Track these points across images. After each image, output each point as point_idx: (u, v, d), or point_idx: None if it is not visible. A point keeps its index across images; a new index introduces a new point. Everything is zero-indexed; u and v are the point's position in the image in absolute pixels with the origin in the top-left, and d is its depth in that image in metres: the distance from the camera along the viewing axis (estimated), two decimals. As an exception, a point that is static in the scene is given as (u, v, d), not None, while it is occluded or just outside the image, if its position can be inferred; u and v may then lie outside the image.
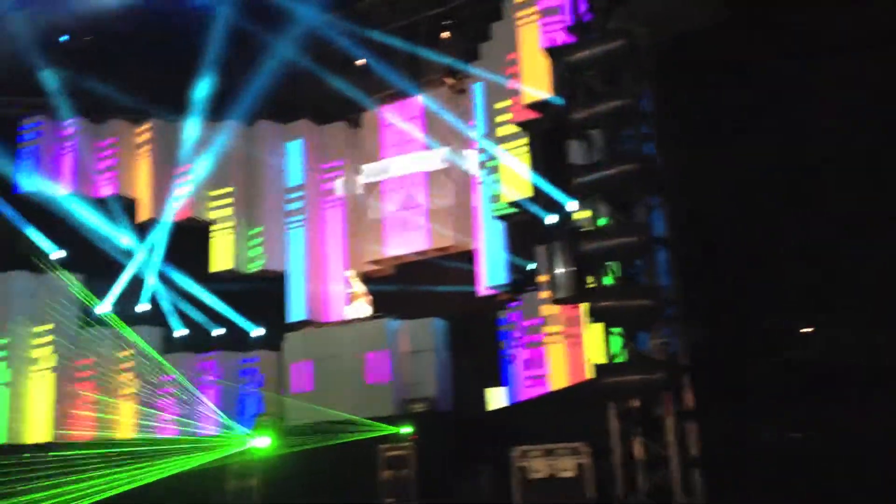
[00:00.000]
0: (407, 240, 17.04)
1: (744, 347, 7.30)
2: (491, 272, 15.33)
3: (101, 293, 16.99)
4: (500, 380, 14.85)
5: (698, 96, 7.42)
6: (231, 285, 17.49)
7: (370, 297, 15.78)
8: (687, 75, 7.51)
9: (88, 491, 13.80)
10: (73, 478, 14.03)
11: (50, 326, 16.54)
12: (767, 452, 7.08)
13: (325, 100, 18.30)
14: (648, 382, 6.76)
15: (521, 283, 14.75)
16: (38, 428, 16.03)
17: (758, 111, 7.17)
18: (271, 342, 16.83)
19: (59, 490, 14.05)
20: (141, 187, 18.01)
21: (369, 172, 17.94)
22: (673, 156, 7.36)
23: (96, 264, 16.97)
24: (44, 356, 16.49)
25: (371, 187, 17.82)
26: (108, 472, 14.25)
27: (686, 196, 7.42)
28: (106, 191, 17.91)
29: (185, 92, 16.80)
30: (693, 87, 7.42)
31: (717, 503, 7.00)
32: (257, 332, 17.26)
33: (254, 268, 17.75)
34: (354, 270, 15.88)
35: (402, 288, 16.64)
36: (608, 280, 7.50)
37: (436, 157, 17.04)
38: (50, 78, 16.68)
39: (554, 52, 10.81)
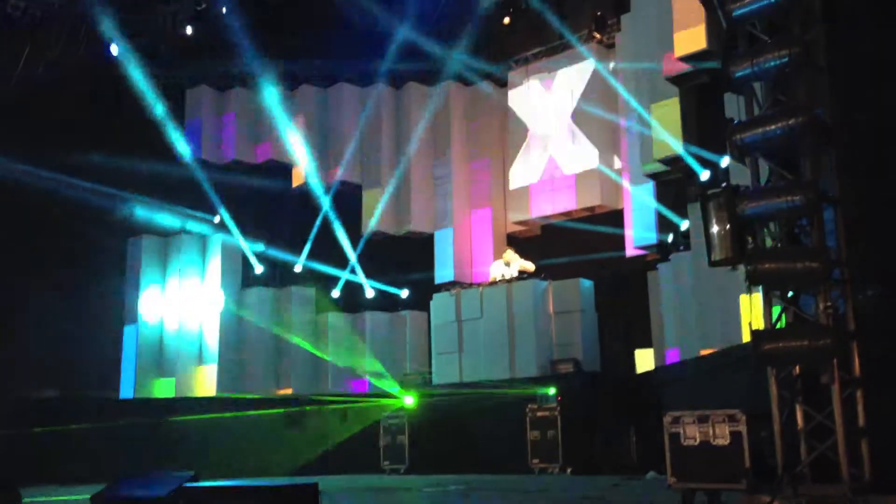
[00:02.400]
0: (553, 200, 16.91)
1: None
2: (639, 232, 14.99)
3: (262, 256, 17.92)
4: (649, 342, 14.60)
5: (875, 41, 6.84)
6: (383, 246, 18.02)
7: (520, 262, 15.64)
8: (866, 17, 6.92)
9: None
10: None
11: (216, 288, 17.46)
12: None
13: (470, 59, 18.32)
14: (814, 349, 6.39)
15: (671, 243, 14.35)
16: (204, 385, 17.12)
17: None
18: (420, 303, 17.24)
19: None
20: (296, 153, 18.72)
21: (515, 131, 17.87)
22: (844, 108, 6.85)
23: (257, 229, 17.91)
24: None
25: (517, 146, 17.76)
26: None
27: (858, 151, 6.90)
28: (262, 157, 18.75)
29: (337, 57, 17.27)
30: (870, 31, 6.84)
31: (885, 476, 6.58)
32: (404, 293, 17.79)
33: (402, 230, 18.16)
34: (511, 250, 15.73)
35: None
36: (767, 241, 7.11)
37: (583, 114, 16.74)
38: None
39: (710, 1, 10.30)
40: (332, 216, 17.77)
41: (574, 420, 12.92)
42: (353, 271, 17.75)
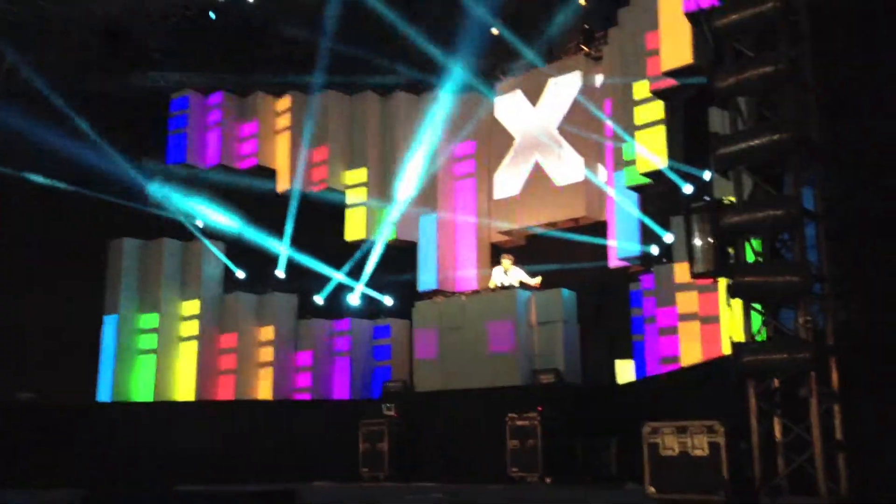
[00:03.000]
0: (538, 210, 16.97)
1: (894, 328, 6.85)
2: (622, 244, 15.07)
3: (242, 262, 17.81)
4: (630, 353, 14.66)
5: (860, 59, 6.94)
6: (367, 254, 17.99)
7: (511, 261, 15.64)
8: (850, 37, 7.02)
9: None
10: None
11: (196, 297, 17.31)
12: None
13: (458, 69, 18.40)
14: (793, 362, 6.45)
15: (653, 255, 14.44)
16: (182, 389, 16.96)
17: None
18: (403, 311, 17.22)
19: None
20: (280, 158, 18.67)
21: (500, 141, 17.94)
22: (829, 124, 6.93)
23: (238, 233, 17.80)
24: (190, 321, 17.33)
25: (502, 157, 17.82)
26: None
27: (841, 168, 6.99)
28: (247, 162, 18.70)
29: (323, 64, 17.24)
30: (855, 50, 6.93)
31: (862, 490, 6.64)
32: (387, 300, 17.77)
33: (387, 238, 18.15)
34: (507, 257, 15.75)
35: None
36: (749, 254, 7.18)
37: (569, 126, 16.83)
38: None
39: (697, 16, 10.41)
40: (316, 222, 17.74)
41: (554, 429, 12.94)
42: (343, 277, 17.66)
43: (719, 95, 7.03)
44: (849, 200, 6.86)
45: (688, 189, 13.16)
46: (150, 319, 17.08)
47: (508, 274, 15.37)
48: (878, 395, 6.89)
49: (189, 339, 17.10)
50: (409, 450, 14.36)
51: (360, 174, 18.36)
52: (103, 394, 16.73)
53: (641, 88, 14.23)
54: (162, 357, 16.89)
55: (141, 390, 16.74)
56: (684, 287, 12.82)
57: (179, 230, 17.42)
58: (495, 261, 16.80)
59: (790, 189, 6.71)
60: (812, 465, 6.54)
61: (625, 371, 14.92)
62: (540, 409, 13.06)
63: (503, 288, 15.12)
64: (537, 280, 15.25)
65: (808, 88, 6.89)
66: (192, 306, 17.22)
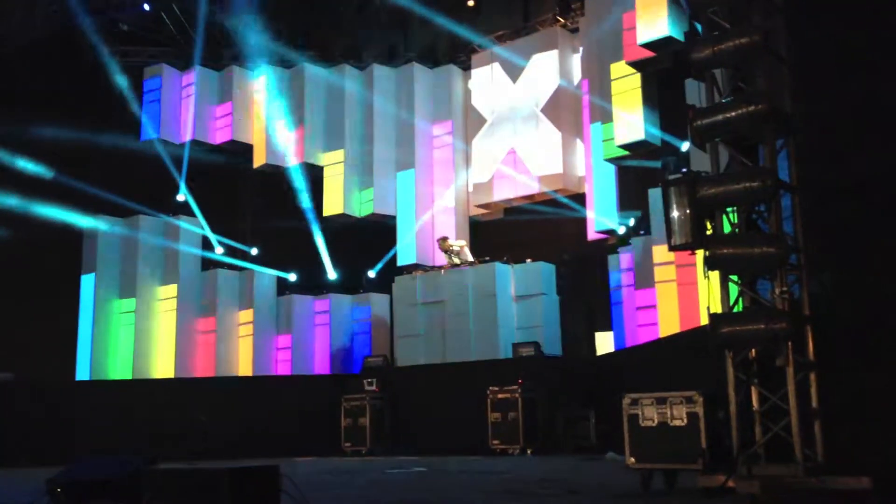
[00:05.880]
0: (516, 183, 16.97)
1: (871, 298, 6.93)
2: (601, 216, 15.12)
3: (220, 237, 17.72)
4: (609, 325, 14.77)
5: (833, 31, 6.94)
6: (345, 228, 17.94)
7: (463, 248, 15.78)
8: (825, 7, 7.02)
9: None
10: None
11: (174, 282, 17.21)
12: (892, 405, 6.76)
13: (435, 42, 18.35)
14: (770, 332, 6.50)
15: (632, 227, 14.50)
16: (161, 366, 16.90)
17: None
18: (383, 285, 17.22)
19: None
20: (256, 134, 18.50)
21: (477, 115, 17.87)
22: (803, 96, 6.95)
23: (216, 208, 17.67)
24: (168, 298, 17.23)
25: (480, 130, 17.77)
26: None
27: (815, 139, 7.01)
28: (222, 137, 18.52)
29: (300, 37, 17.06)
30: (832, 20, 6.93)
31: (837, 457, 6.74)
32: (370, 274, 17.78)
33: (364, 212, 18.09)
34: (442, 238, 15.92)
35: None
36: (726, 226, 7.20)
37: (546, 99, 16.79)
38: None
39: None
40: (295, 197, 17.66)
41: (535, 402, 13.05)
42: (315, 253, 17.64)
43: (695, 68, 7.02)
44: (823, 171, 6.90)
45: (665, 162, 13.20)
46: (128, 303, 16.99)
47: (451, 253, 15.54)
48: (854, 363, 6.98)
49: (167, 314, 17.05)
50: (391, 424, 14.42)
51: (337, 155, 18.21)
52: (82, 372, 16.65)
53: (618, 61, 14.20)
54: (140, 334, 16.81)
55: (119, 368, 16.68)
56: (662, 260, 12.92)
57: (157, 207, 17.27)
58: (474, 234, 16.86)
59: (766, 161, 6.73)
60: (789, 433, 6.62)
61: (604, 342, 15.05)
62: (521, 382, 13.14)
63: (459, 265, 15.26)
64: (466, 253, 15.38)
65: (782, 60, 6.89)
66: (169, 289, 17.14)
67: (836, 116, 6.96)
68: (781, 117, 6.73)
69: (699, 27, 7.22)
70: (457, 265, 15.29)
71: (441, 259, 17.10)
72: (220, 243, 17.73)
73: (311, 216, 17.65)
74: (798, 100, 6.86)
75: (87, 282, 16.99)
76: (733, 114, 6.67)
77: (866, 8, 6.87)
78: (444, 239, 15.93)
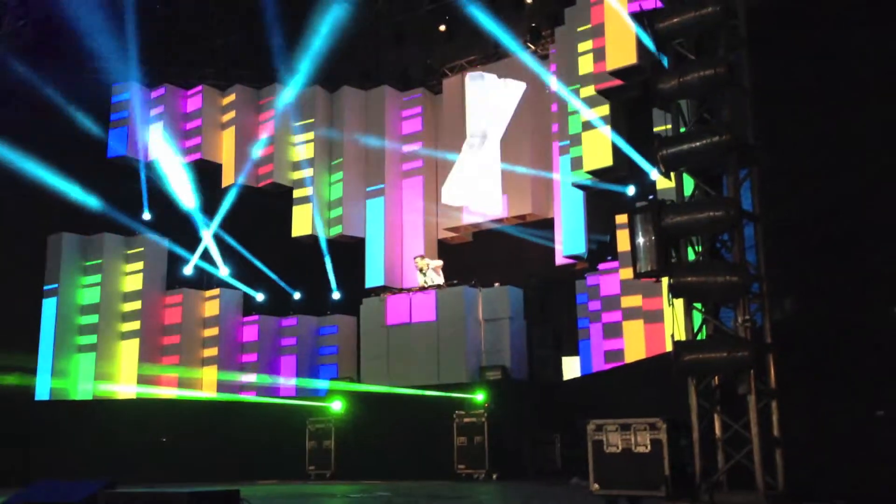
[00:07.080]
0: (484, 207, 17.01)
1: (832, 327, 7.04)
2: (568, 241, 15.20)
3: (185, 256, 17.53)
4: (576, 350, 14.81)
5: (795, 65, 7.09)
6: (311, 250, 17.82)
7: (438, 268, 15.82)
8: (786, 42, 7.17)
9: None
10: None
11: (138, 289, 17.01)
12: (852, 434, 6.85)
13: (406, 66, 18.45)
14: (732, 360, 6.58)
15: (599, 253, 14.59)
16: (123, 387, 16.62)
17: (866, 82, 6.78)
18: (350, 307, 17.12)
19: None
20: (226, 153, 18.38)
21: (447, 139, 17.94)
22: (765, 127, 7.08)
23: (182, 228, 17.48)
24: (131, 318, 17.00)
25: (449, 154, 17.83)
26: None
27: (777, 170, 7.15)
28: (191, 156, 18.37)
29: (270, 59, 17.01)
30: (793, 55, 7.09)
31: (798, 485, 6.81)
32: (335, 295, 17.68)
33: (333, 233, 18.02)
34: (419, 257, 15.98)
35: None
36: (690, 254, 7.29)
37: (515, 124, 16.90)
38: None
39: (641, 17, 10.53)
40: (262, 219, 17.56)
41: (501, 426, 13.02)
42: (281, 274, 17.53)
43: (662, 98, 7.13)
44: (785, 201, 7.02)
45: (633, 189, 13.33)
46: (90, 317, 16.73)
47: (427, 272, 15.53)
48: (815, 391, 7.08)
49: (130, 334, 16.80)
50: (356, 447, 14.29)
51: (306, 174, 18.12)
52: (42, 391, 16.32)
53: (587, 89, 14.34)
54: (102, 353, 16.54)
55: (81, 388, 16.37)
56: (629, 286, 13.01)
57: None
58: (443, 256, 16.85)
59: (729, 191, 6.84)
60: (751, 460, 6.68)
61: (571, 367, 15.07)
62: (487, 405, 13.12)
63: (427, 288, 15.24)
64: (438, 275, 15.45)
65: (745, 92, 7.02)
66: (132, 303, 16.91)
67: (797, 148, 7.10)
68: (745, 148, 6.85)
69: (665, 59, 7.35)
70: (425, 288, 15.27)
71: (409, 282, 17.05)
72: (187, 262, 17.53)
73: (279, 237, 17.55)
74: (761, 131, 6.98)
75: (49, 304, 16.72)
76: (698, 144, 6.78)
77: (828, 43, 7.04)
78: (422, 257, 15.93)
